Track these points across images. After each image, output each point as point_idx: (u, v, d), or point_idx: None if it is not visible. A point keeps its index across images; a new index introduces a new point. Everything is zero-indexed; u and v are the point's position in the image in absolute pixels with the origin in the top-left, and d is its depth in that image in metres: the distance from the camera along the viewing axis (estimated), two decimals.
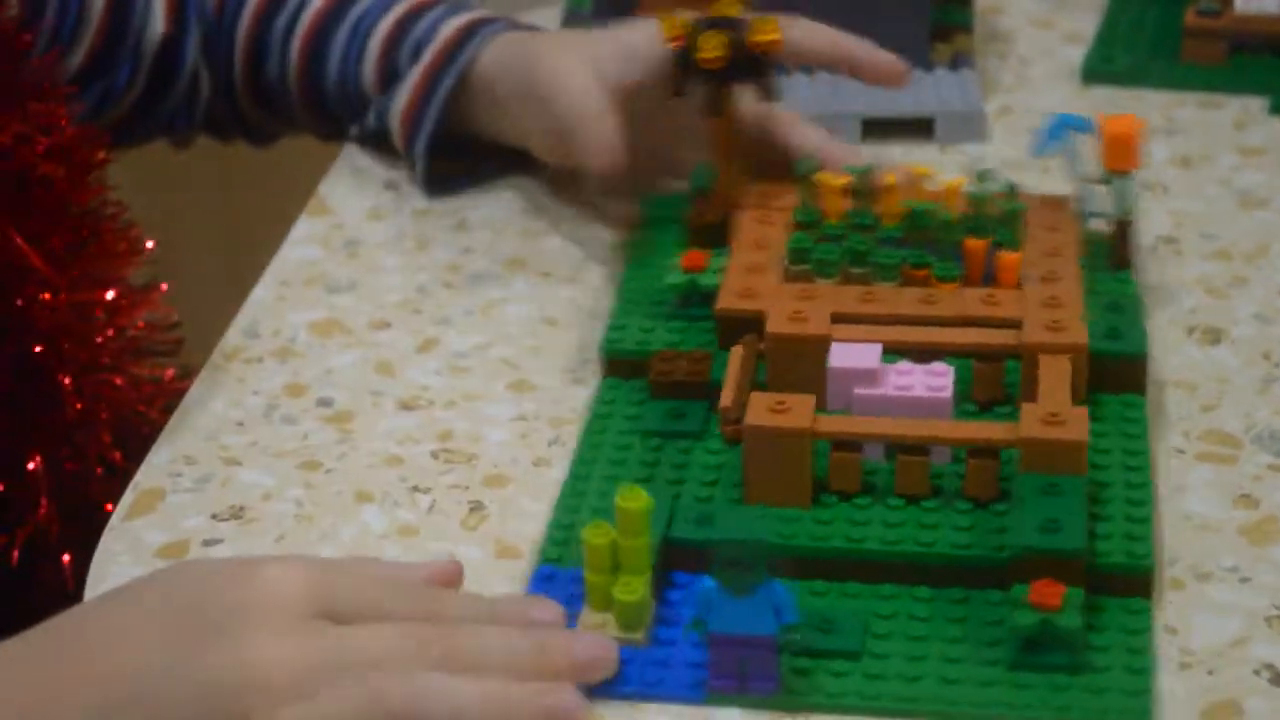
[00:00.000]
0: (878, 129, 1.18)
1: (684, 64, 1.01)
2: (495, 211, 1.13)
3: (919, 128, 1.19)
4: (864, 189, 1.01)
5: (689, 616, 0.77)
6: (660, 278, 1.00)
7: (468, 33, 1.11)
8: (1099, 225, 1.00)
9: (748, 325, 0.93)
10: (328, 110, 1.19)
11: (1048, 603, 0.76)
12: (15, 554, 0.95)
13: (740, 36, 1.00)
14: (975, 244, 0.96)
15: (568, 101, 1.04)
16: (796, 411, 0.85)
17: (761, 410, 0.85)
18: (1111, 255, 1.00)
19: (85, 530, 0.89)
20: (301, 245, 1.10)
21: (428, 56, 1.11)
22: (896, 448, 0.85)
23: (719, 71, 1.00)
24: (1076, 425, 0.83)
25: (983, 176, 1.00)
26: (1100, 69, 1.27)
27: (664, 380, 0.93)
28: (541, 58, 1.07)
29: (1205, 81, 1.25)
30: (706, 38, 0.99)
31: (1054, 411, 0.83)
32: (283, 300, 1.05)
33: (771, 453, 0.84)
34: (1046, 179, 1.10)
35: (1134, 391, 0.91)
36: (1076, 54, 1.30)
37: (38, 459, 0.94)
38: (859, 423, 0.86)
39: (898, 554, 0.82)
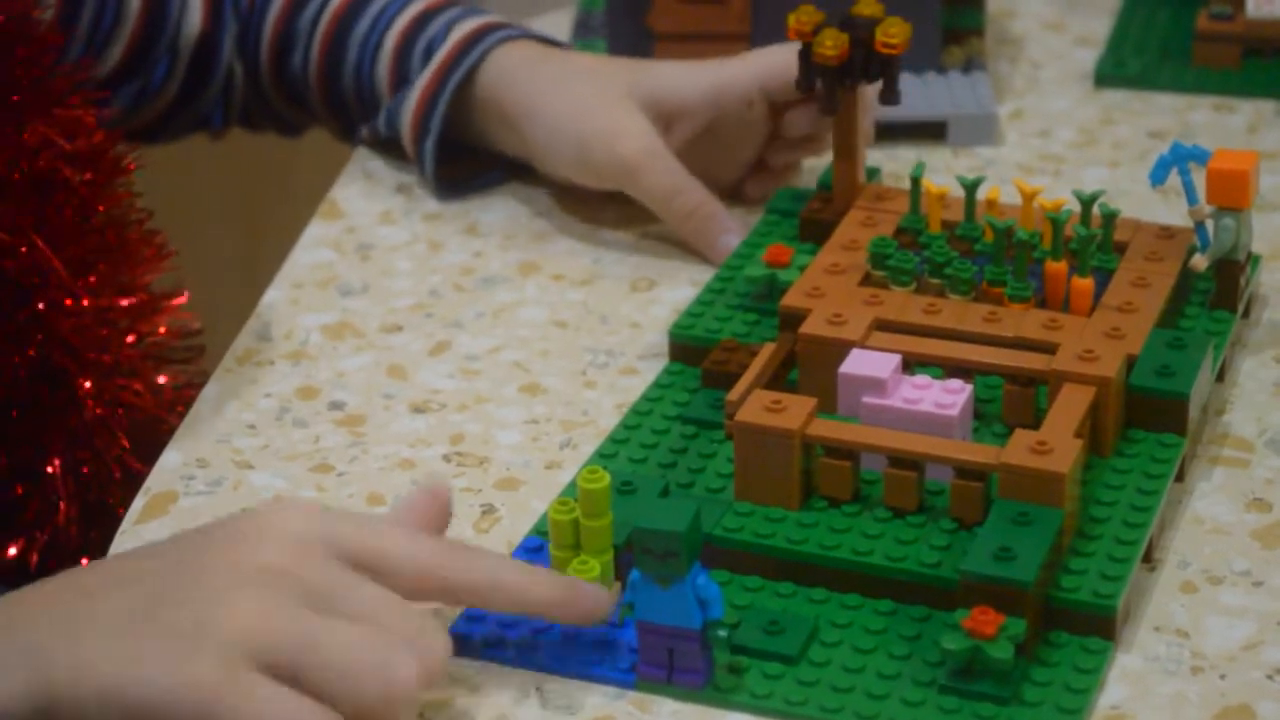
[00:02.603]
0: (890, 132, 1.18)
1: (805, 59, 1.00)
2: (507, 214, 1.13)
3: (931, 131, 1.19)
4: (970, 200, 0.99)
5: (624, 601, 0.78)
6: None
7: (477, 37, 1.11)
8: (1197, 263, 0.95)
9: None
10: (345, 107, 1.19)
11: (981, 630, 0.75)
12: (34, 557, 0.95)
13: (864, 36, 0.98)
14: (1054, 267, 0.93)
15: (623, 152, 1.06)
16: (791, 412, 0.84)
17: (756, 408, 0.84)
18: (1216, 294, 0.96)
19: (103, 534, 0.89)
20: (314, 248, 1.10)
21: (438, 59, 1.11)
22: (889, 460, 0.84)
23: (835, 69, 0.99)
24: (1062, 457, 0.80)
25: (1089, 200, 0.96)
26: (1112, 72, 1.27)
27: (716, 370, 0.93)
28: (566, 93, 1.08)
29: (1218, 85, 1.25)
30: (827, 34, 0.98)
31: (1043, 440, 0.81)
32: (295, 303, 1.05)
33: (761, 451, 0.84)
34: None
35: (1174, 432, 0.88)
36: (1088, 57, 1.30)
37: (57, 463, 0.94)
38: (849, 430, 0.84)
39: (864, 565, 0.81)
